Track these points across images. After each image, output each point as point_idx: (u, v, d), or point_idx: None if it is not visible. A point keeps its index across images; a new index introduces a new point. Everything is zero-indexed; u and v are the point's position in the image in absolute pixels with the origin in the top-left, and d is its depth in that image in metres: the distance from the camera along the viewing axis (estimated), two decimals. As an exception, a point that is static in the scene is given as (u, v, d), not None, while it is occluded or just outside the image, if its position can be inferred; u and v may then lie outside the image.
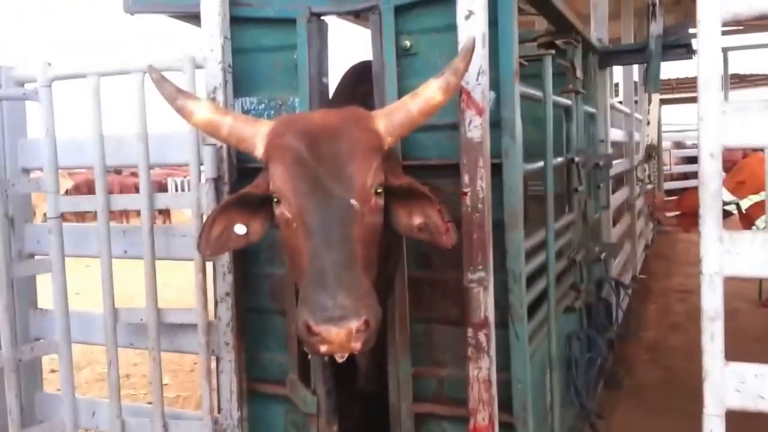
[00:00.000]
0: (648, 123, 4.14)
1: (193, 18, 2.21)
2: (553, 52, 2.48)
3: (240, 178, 2.10)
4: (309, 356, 1.95)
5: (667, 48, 3.62)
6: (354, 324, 1.26)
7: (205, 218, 1.82)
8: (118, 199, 2.32)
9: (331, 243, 1.37)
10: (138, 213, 2.21)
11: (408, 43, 1.95)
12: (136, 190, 2.23)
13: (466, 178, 1.79)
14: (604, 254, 3.48)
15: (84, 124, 2.18)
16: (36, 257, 2.51)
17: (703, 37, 1.43)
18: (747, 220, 4.09)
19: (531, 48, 2.72)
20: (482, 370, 1.81)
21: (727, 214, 4.10)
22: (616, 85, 6.74)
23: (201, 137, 2.06)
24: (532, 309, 2.27)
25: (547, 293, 2.41)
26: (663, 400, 3.65)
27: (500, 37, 1.84)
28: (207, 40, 2.07)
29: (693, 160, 9.54)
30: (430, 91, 1.54)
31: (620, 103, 5.99)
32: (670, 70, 10.05)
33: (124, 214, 13.93)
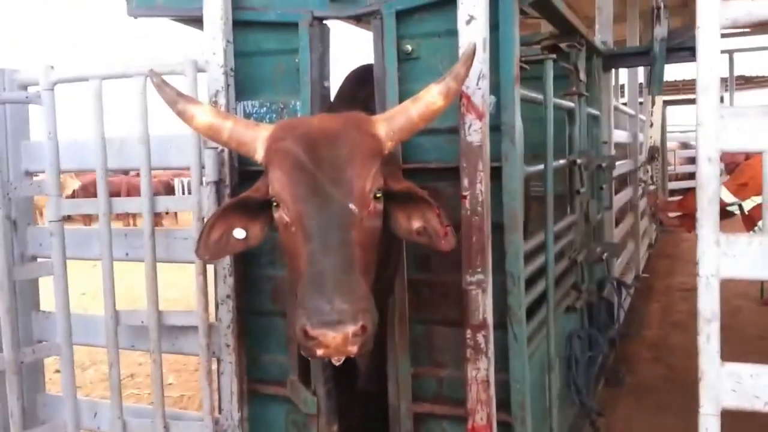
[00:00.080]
0: (651, 125, 4.13)
1: (196, 21, 2.22)
2: (554, 56, 2.48)
3: (241, 181, 2.11)
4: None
5: (671, 51, 3.62)
6: (350, 329, 1.27)
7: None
8: (119, 203, 2.34)
9: (330, 247, 1.38)
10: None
11: (409, 48, 1.95)
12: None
13: (465, 182, 1.80)
14: (606, 254, 3.48)
15: (86, 127, 2.20)
16: (38, 260, 2.53)
17: (703, 42, 1.43)
18: (750, 222, 4.08)
19: (534, 51, 2.73)
20: (480, 370, 1.82)
21: (729, 215, 4.09)
22: (622, 86, 6.74)
23: (202, 140, 2.07)
24: (532, 310, 2.28)
25: (546, 295, 2.42)
26: (664, 398, 3.65)
27: (501, 42, 1.85)
28: (209, 44, 2.08)
29: (698, 160, 9.47)
30: (431, 96, 1.55)
31: (624, 104, 5.99)
32: (676, 71, 10.04)
33: (131, 216, 13.99)
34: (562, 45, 2.80)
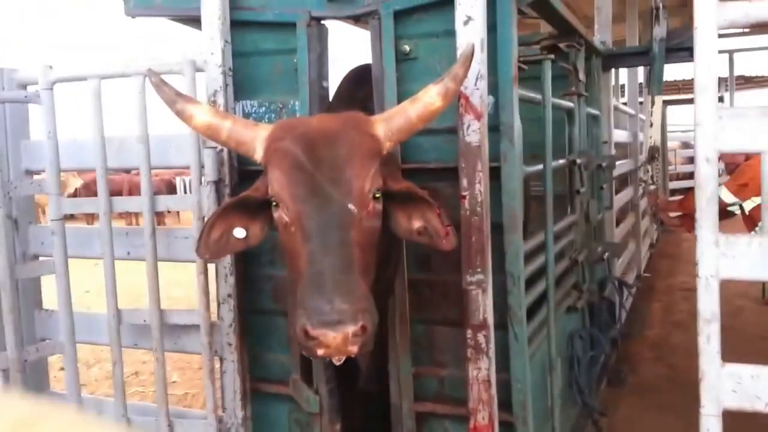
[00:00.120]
0: (651, 125, 4.13)
1: (194, 21, 2.22)
2: (553, 56, 2.48)
3: (241, 180, 2.12)
4: (310, 357, 1.97)
5: (670, 51, 3.62)
6: (350, 329, 1.27)
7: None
8: (120, 202, 2.35)
9: (329, 247, 1.38)
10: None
11: (407, 48, 1.96)
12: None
13: (464, 182, 1.80)
14: (607, 254, 3.48)
15: (86, 127, 2.20)
16: (40, 258, 2.53)
17: (700, 43, 1.44)
18: (750, 222, 4.08)
19: (533, 51, 2.73)
20: (481, 370, 1.83)
21: (730, 216, 4.08)
22: (622, 86, 6.73)
23: (202, 140, 2.07)
24: (533, 310, 2.28)
25: (547, 295, 2.42)
26: (666, 397, 3.65)
27: (499, 43, 1.85)
28: (207, 44, 2.09)
29: (699, 160, 9.44)
30: (429, 97, 1.55)
31: (625, 104, 5.98)
32: (676, 71, 10.03)
33: (134, 214, 13.99)
34: (561, 45, 2.80)
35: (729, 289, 4.74)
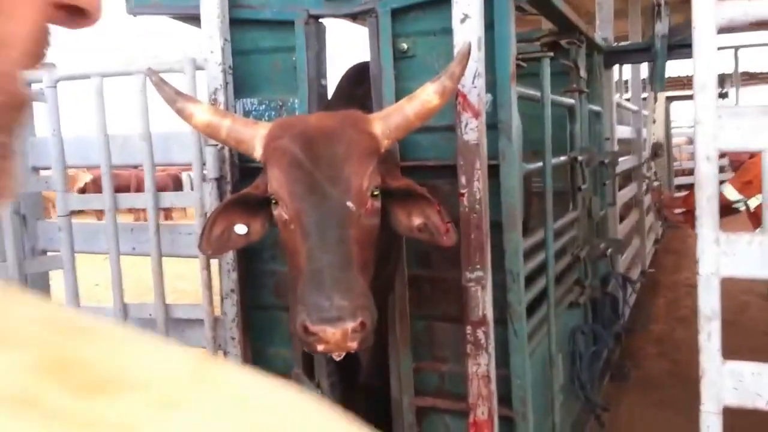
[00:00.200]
0: (654, 121, 4.11)
1: (194, 19, 2.24)
2: (551, 53, 2.47)
3: (242, 177, 2.13)
4: (312, 351, 1.98)
5: (672, 47, 3.59)
6: (350, 325, 1.29)
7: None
8: (124, 198, 2.37)
9: (328, 245, 1.40)
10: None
11: (405, 46, 1.96)
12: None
13: (463, 180, 1.81)
14: (610, 250, 3.47)
15: (90, 124, 2.23)
16: (49, 253, 2.57)
17: (699, 42, 1.43)
18: (755, 219, 4.06)
19: (534, 47, 2.72)
20: (481, 366, 1.84)
21: (735, 212, 4.06)
22: (626, 81, 6.68)
23: (203, 138, 2.09)
24: (533, 306, 2.28)
25: (547, 292, 2.43)
26: (669, 393, 3.65)
27: (497, 40, 1.85)
28: (207, 42, 2.10)
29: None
30: (427, 95, 1.56)
31: (628, 100, 5.95)
32: (680, 67, 9.95)
33: (142, 210, 14.02)
34: (562, 42, 2.79)
35: (734, 285, 4.72)
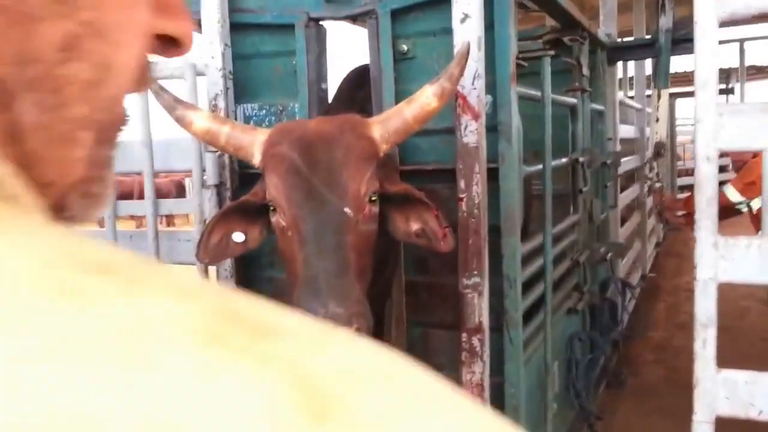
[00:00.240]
0: (657, 120, 4.06)
1: (195, 25, 2.23)
2: (552, 52, 2.45)
3: (242, 184, 2.13)
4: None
5: (677, 42, 3.54)
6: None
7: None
8: (124, 206, 2.38)
9: (325, 251, 1.39)
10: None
11: (405, 47, 1.95)
12: (156, 189, 2.30)
13: (462, 184, 1.80)
14: (610, 254, 3.44)
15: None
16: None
17: (700, 37, 1.41)
18: (758, 221, 4.00)
19: (537, 45, 2.69)
20: (475, 374, 1.82)
21: (738, 213, 4.01)
22: (631, 79, 6.60)
23: (203, 144, 2.09)
24: (530, 313, 2.26)
25: (544, 298, 2.41)
26: (665, 400, 3.61)
27: (497, 41, 1.83)
28: (207, 48, 2.09)
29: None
30: (425, 98, 1.54)
31: (632, 97, 5.88)
32: (686, 63, 9.82)
33: (143, 217, 14.06)
34: (565, 39, 2.76)
35: (735, 291, 4.67)
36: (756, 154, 3.88)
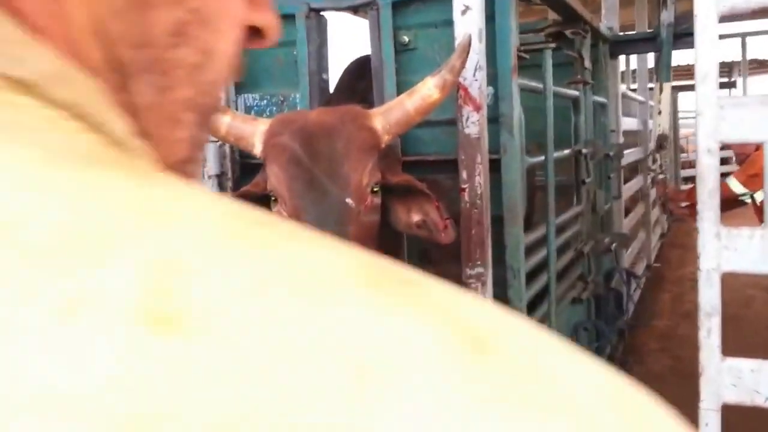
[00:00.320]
0: (660, 112, 4.06)
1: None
2: (554, 44, 2.45)
3: (243, 174, 2.13)
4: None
5: (678, 36, 3.54)
6: None
7: None
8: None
9: None
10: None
11: (406, 39, 1.94)
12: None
13: (464, 174, 1.79)
14: (614, 244, 3.44)
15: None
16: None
17: (700, 31, 1.41)
18: (761, 212, 4.00)
19: (540, 38, 2.68)
20: (480, 364, 1.82)
21: (741, 205, 4.01)
22: (633, 71, 6.59)
23: (204, 134, 2.09)
24: (535, 303, 2.27)
25: (548, 288, 2.41)
26: (670, 389, 3.60)
27: (498, 33, 1.83)
28: (208, 38, 2.08)
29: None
30: (427, 89, 1.54)
31: (634, 90, 5.87)
32: (689, 56, 9.78)
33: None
34: (567, 32, 2.75)
35: (740, 279, 4.67)
36: (759, 147, 3.87)
